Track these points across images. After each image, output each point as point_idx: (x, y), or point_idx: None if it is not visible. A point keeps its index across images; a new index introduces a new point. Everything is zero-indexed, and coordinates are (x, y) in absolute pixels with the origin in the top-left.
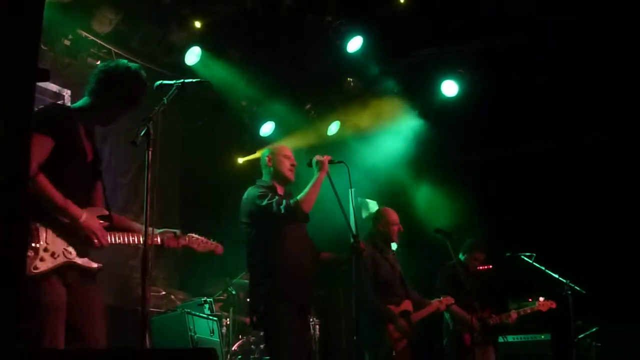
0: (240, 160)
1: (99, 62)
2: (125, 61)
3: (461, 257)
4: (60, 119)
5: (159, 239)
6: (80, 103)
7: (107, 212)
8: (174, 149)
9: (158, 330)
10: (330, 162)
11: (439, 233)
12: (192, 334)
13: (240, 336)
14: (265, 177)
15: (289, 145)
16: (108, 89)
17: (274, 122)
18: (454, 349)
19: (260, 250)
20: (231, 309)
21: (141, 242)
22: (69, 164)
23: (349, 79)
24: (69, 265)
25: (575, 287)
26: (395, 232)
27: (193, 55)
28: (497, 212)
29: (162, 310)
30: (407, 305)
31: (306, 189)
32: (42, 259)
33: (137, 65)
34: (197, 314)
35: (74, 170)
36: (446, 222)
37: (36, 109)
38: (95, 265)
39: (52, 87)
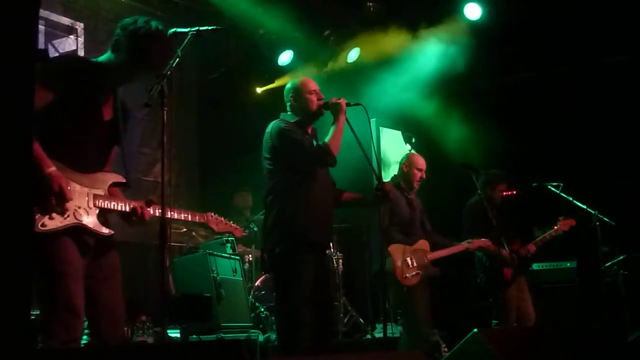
0: (259, 90)
1: None
2: (145, 18)
3: (480, 192)
4: (71, 72)
5: (128, 207)
6: (102, 58)
7: (122, 179)
8: (190, 80)
9: (180, 272)
10: (347, 104)
11: (466, 168)
12: (215, 274)
13: (263, 272)
14: (291, 113)
15: (308, 74)
16: (126, 46)
17: (292, 50)
18: (493, 285)
19: (280, 189)
20: (253, 246)
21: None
22: (77, 122)
23: (369, 3)
24: (80, 228)
25: (604, 218)
26: (417, 177)
27: None
28: (526, 140)
29: (184, 245)
30: (422, 244)
31: (331, 133)
32: (51, 217)
33: (156, 22)
34: (219, 254)
35: (84, 128)
36: (473, 152)
37: (52, 59)
38: (105, 230)
39: (65, 20)
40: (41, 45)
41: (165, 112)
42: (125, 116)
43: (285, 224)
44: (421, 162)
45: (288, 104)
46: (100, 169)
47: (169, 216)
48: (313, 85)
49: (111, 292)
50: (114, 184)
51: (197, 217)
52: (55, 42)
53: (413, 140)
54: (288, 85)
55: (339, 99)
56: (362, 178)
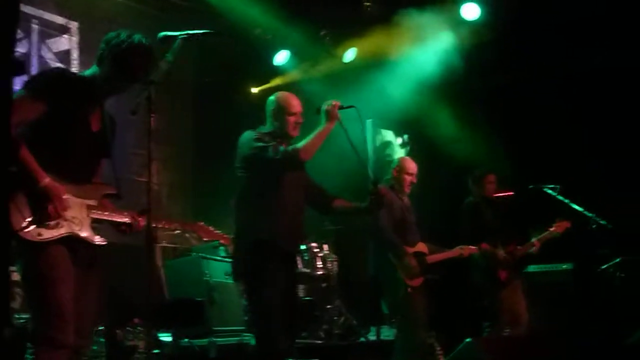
0: (255, 90)
1: None
2: (128, 31)
3: (472, 192)
4: (60, 84)
5: (121, 218)
6: (89, 71)
7: (113, 190)
8: (185, 81)
9: (173, 276)
10: (340, 107)
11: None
12: (208, 278)
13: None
14: (268, 126)
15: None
16: (109, 60)
17: (289, 50)
18: (488, 285)
19: (249, 197)
20: None
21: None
22: (67, 134)
23: (366, 3)
24: (74, 238)
25: (601, 222)
26: (407, 182)
27: None
28: (521, 142)
29: (177, 247)
30: (421, 247)
31: (309, 138)
32: (47, 227)
33: (139, 35)
34: (212, 257)
35: (73, 141)
36: (468, 153)
37: (39, 72)
38: (97, 240)
39: (58, 19)
40: (34, 45)
41: (152, 118)
42: (112, 128)
43: (251, 232)
44: (412, 166)
45: (267, 116)
46: (89, 180)
47: (158, 225)
48: (296, 107)
49: (86, 303)
50: (105, 195)
51: (186, 226)
52: (49, 41)
53: (405, 138)
54: (272, 98)
55: (333, 102)
56: (357, 183)
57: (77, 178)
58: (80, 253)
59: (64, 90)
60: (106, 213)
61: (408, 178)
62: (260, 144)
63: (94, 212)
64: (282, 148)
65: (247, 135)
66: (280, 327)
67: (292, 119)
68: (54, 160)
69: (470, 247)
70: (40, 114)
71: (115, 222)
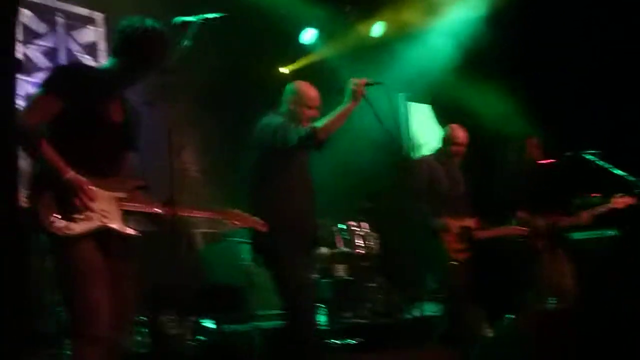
0: (285, 70)
1: None
2: (140, 18)
3: (515, 159)
4: (76, 79)
5: (152, 208)
6: (106, 64)
7: (141, 182)
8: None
9: (209, 261)
10: (367, 84)
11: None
12: (246, 262)
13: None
14: (283, 110)
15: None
16: (124, 50)
17: (316, 28)
18: (524, 255)
19: (262, 176)
20: None
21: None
22: (87, 128)
23: None
24: (106, 230)
25: None
26: (454, 152)
27: None
28: (559, 110)
29: (216, 232)
30: (470, 222)
31: (329, 117)
32: (76, 221)
33: (151, 21)
34: (249, 241)
35: (94, 135)
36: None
37: (54, 68)
38: (130, 231)
39: (83, 11)
40: (61, 37)
41: (169, 107)
42: (137, 119)
43: (267, 215)
44: (460, 135)
45: (284, 101)
46: (117, 173)
47: (189, 214)
48: (315, 101)
49: (122, 295)
50: (136, 187)
51: (220, 214)
52: (74, 32)
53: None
54: (291, 86)
55: (360, 79)
56: (389, 157)
57: (103, 171)
58: (112, 245)
59: (81, 84)
60: (137, 205)
61: (454, 148)
62: (279, 121)
63: (124, 205)
64: (301, 130)
65: (266, 119)
66: (310, 303)
67: (308, 112)
68: (78, 155)
69: (521, 228)
70: (60, 110)
71: (147, 213)
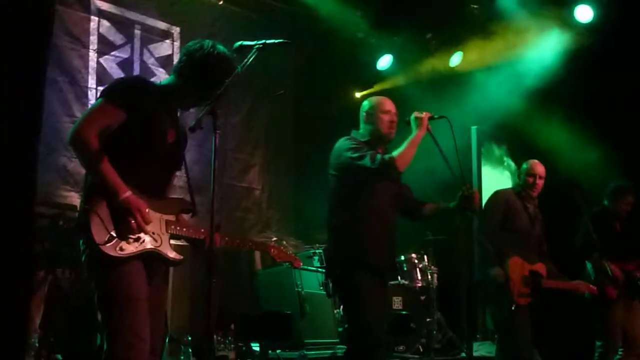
0: (359, 95)
1: None
2: (211, 42)
3: (606, 203)
4: (139, 93)
5: (199, 234)
6: (165, 81)
7: (189, 205)
8: (286, 85)
9: (264, 285)
10: (431, 118)
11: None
12: (300, 289)
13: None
14: (363, 131)
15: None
16: (193, 71)
17: (392, 54)
18: (596, 302)
19: (343, 208)
20: None
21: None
22: (145, 145)
23: (472, 5)
24: (154, 254)
25: None
26: (535, 186)
27: None
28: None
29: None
30: (540, 267)
31: (403, 146)
32: (128, 242)
33: (223, 48)
34: (305, 267)
35: (150, 152)
36: (580, 166)
37: (117, 80)
38: (173, 255)
39: (161, 24)
40: (137, 50)
41: (217, 135)
42: (185, 141)
43: (345, 248)
44: (540, 169)
45: (361, 120)
46: (163, 194)
47: (227, 244)
48: (389, 106)
49: (158, 319)
50: (181, 210)
51: (258, 247)
52: (151, 46)
53: (504, 148)
54: (365, 102)
55: (422, 113)
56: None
57: (152, 191)
58: (154, 268)
59: (143, 99)
60: (184, 229)
61: (535, 181)
62: (358, 153)
63: (172, 228)
64: (378, 156)
65: (343, 143)
66: (379, 342)
67: (386, 117)
68: (132, 172)
69: (591, 286)
70: (120, 122)
71: (192, 238)
